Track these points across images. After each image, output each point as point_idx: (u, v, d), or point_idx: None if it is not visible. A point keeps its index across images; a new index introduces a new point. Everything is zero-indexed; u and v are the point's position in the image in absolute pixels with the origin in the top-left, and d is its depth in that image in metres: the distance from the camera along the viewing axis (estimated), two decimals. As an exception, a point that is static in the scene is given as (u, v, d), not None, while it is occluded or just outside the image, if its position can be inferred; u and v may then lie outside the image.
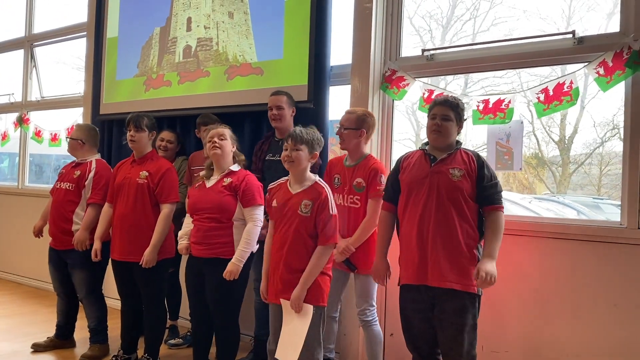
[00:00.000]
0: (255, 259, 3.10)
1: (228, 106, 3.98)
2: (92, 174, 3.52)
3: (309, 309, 2.41)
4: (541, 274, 2.89)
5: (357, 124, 2.99)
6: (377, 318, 3.02)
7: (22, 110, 5.97)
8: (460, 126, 2.51)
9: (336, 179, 3.05)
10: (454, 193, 2.38)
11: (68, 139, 3.75)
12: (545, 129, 3.71)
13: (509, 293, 2.96)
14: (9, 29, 6.29)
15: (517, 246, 2.94)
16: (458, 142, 2.52)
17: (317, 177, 2.57)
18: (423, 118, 4.69)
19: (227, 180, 2.94)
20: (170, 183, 3.24)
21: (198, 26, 4.26)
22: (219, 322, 2.96)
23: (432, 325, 2.42)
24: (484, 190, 2.39)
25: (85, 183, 3.51)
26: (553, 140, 3.75)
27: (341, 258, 2.89)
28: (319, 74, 3.59)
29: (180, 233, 3.09)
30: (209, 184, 2.99)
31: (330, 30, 3.60)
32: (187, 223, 3.05)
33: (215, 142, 2.95)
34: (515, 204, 3.75)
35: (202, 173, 3.10)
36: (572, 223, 2.90)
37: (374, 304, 3.00)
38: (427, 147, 2.54)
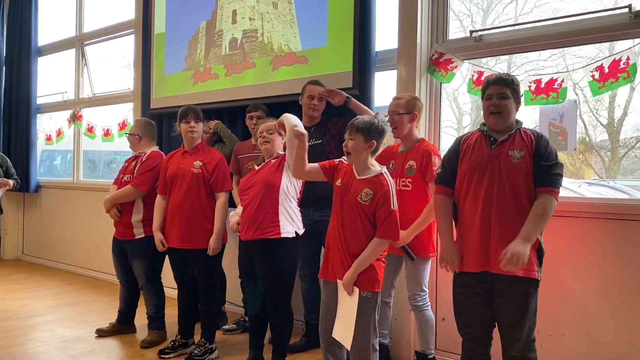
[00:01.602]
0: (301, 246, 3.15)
1: (274, 96, 4.03)
2: (141, 160, 3.66)
3: (356, 293, 2.42)
4: (601, 256, 2.82)
5: (408, 108, 2.99)
6: (428, 303, 3.02)
7: (75, 107, 6.20)
8: (518, 103, 2.42)
9: (391, 164, 3.05)
10: (515, 176, 2.31)
11: (127, 135, 3.88)
12: (592, 112, 3.60)
13: (566, 275, 2.91)
14: (60, 30, 6.53)
15: (575, 228, 2.88)
16: (518, 122, 2.43)
17: (383, 169, 2.52)
18: (465, 104, 4.64)
19: (274, 160, 3.03)
20: (224, 172, 3.36)
21: (243, 18, 4.32)
22: (272, 307, 3.02)
23: (486, 310, 2.38)
24: (540, 170, 2.30)
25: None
26: (601, 123, 3.64)
27: (398, 245, 2.87)
28: (363, 60, 3.59)
29: (232, 212, 3.21)
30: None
31: (374, 15, 3.59)
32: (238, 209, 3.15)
33: (265, 136, 3.04)
34: (565, 188, 3.67)
35: (252, 163, 3.18)
36: (634, 203, 2.82)
37: (426, 289, 3.01)
38: (485, 128, 2.45)
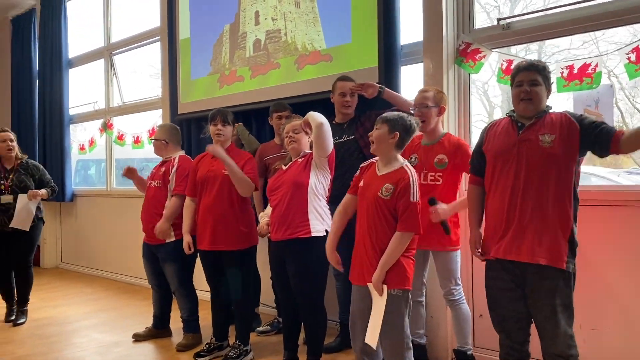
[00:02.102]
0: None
1: (299, 95, 4.01)
2: (175, 168, 3.67)
3: (385, 291, 2.37)
4: (638, 244, 2.71)
5: (436, 101, 2.94)
6: (464, 297, 2.96)
7: (105, 116, 6.31)
8: (549, 90, 2.33)
9: (413, 157, 2.99)
10: (546, 161, 2.22)
11: (152, 141, 3.91)
12: (629, 99, 3.47)
13: (609, 267, 2.80)
14: (89, 41, 6.66)
15: (616, 217, 2.77)
16: (548, 107, 2.34)
17: (405, 162, 2.48)
18: (495, 97, 4.54)
19: (301, 159, 3.00)
20: (254, 171, 3.34)
21: (266, 19, 4.32)
22: (305, 307, 3.00)
23: (521, 304, 2.30)
24: (593, 131, 2.17)
25: (169, 177, 3.66)
26: (638, 110, 3.51)
27: (437, 218, 2.78)
28: (389, 54, 3.53)
29: (261, 214, 3.18)
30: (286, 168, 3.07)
31: (399, 8, 3.54)
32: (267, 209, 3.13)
33: (292, 136, 3.02)
34: (603, 178, 3.55)
35: (279, 163, 3.17)
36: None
37: (459, 282, 2.95)
38: (514, 115, 2.38)
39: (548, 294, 2.20)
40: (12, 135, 4.39)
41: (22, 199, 4.26)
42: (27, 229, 4.28)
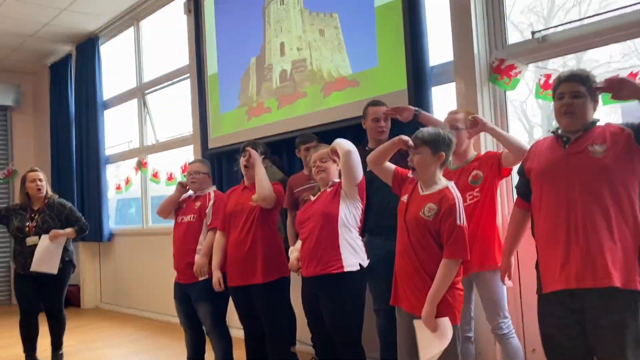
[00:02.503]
0: (371, 279, 2.94)
1: (327, 123, 3.91)
2: (211, 202, 3.58)
3: (446, 323, 2.18)
4: None
5: (467, 123, 2.77)
6: (513, 330, 2.72)
7: (140, 155, 6.36)
8: (595, 102, 2.13)
9: None
10: (599, 174, 2.01)
11: (191, 175, 3.70)
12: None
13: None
14: (122, 81, 6.79)
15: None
16: (595, 120, 2.14)
17: (450, 183, 2.33)
18: (535, 115, 4.34)
19: (330, 189, 2.87)
20: (277, 188, 3.28)
21: (291, 49, 4.27)
22: (341, 346, 2.82)
23: (581, 343, 2.05)
24: None
25: (207, 212, 3.57)
26: None
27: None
28: (418, 76, 3.40)
29: (291, 248, 3.06)
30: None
31: (425, 28, 3.41)
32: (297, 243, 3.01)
33: (319, 165, 2.90)
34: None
35: (308, 194, 3.06)
36: None
37: (507, 314, 2.72)
38: (559, 130, 2.18)
39: (615, 330, 1.96)
40: (41, 175, 4.25)
41: (44, 240, 4.06)
42: (54, 272, 4.09)
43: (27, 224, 4.15)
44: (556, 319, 2.11)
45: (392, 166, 2.53)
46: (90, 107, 6.80)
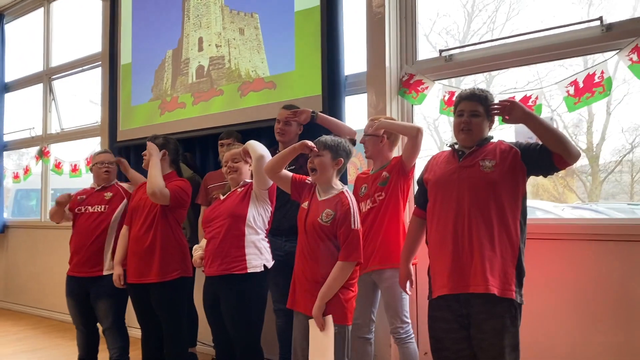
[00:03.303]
0: (272, 279, 2.96)
1: (243, 123, 3.89)
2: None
3: (330, 322, 2.25)
4: (586, 279, 2.67)
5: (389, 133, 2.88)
6: (412, 335, 2.83)
7: (42, 143, 6.00)
8: (491, 121, 2.29)
9: (363, 188, 2.91)
10: (488, 185, 2.15)
11: (101, 165, 3.53)
12: (571, 137, 3.54)
13: (552, 301, 2.74)
14: (27, 65, 6.38)
15: (559, 250, 2.73)
16: (489, 137, 2.30)
17: (344, 187, 2.42)
18: (446, 132, 4.56)
19: (241, 189, 2.86)
20: (179, 188, 3.16)
21: (210, 45, 4.21)
22: (240, 348, 2.80)
23: (466, 346, 2.19)
24: (534, 151, 2.15)
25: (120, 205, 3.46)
26: (581, 148, 3.58)
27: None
28: (333, 83, 3.47)
29: (195, 246, 3.00)
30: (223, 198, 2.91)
31: (342, 38, 3.49)
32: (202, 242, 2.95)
33: (231, 165, 2.88)
34: (548, 212, 3.57)
35: (217, 192, 3.02)
36: (611, 223, 2.69)
37: (407, 320, 2.81)
38: (456, 145, 2.32)
39: (496, 334, 2.10)
40: None
41: None
42: None
43: None
44: (444, 323, 2.23)
45: (289, 174, 2.57)
46: (-11, 88, 6.34)
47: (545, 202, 3.83)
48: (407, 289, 2.58)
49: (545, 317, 2.76)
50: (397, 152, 3.10)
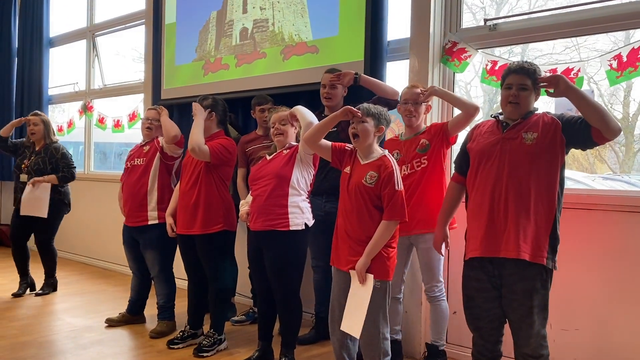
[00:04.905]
0: (311, 237, 3.12)
1: (284, 86, 3.99)
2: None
3: (370, 280, 2.40)
4: (617, 250, 2.76)
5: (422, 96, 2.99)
6: (444, 294, 3.00)
7: (85, 98, 6.21)
8: (537, 94, 2.36)
9: (395, 153, 3.01)
10: (528, 159, 2.24)
11: (149, 121, 3.74)
12: (607, 107, 3.54)
13: (580, 268, 2.85)
14: (71, 21, 6.53)
15: (589, 220, 2.82)
16: (534, 109, 2.37)
17: (385, 151, 2.53)
18: (477, 98, 4.57)
19: (286, 151, 2.98)
20: (220, 147, 3.27)
21: (254, 8, 4.28)
22: (280, 298, 3.00)
23: (496, 305, 2.33)
24: (574, 124, 2.22)
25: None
26: (616, 118, 3.57)
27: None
28: (375, 49, 3.53)
29: (242, 202, 3.17)
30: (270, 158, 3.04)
31: (387, 4, 3.53)
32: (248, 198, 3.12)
33: (278, 127, 3.00)
34: (579, 182, 3.61)
35: (264, 152, 3.14)
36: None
37: (441, 279, 2.98)
38: (501, 116, 2.40)
39: (526, 295, 2.23)
40: (38, 119, 4.54)
41: (28, 185, 4.36)
42: (43, 215, 4.36)
43: (25, 161, 4.48)
44: (477, 282, 2.37)
45: (329, 142, 2.66)
46: (35, 43, 6.54)
47: (575, 171, 3.87)
48: (442, 250, 2.72)
49: (570, 282, 2.86)
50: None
